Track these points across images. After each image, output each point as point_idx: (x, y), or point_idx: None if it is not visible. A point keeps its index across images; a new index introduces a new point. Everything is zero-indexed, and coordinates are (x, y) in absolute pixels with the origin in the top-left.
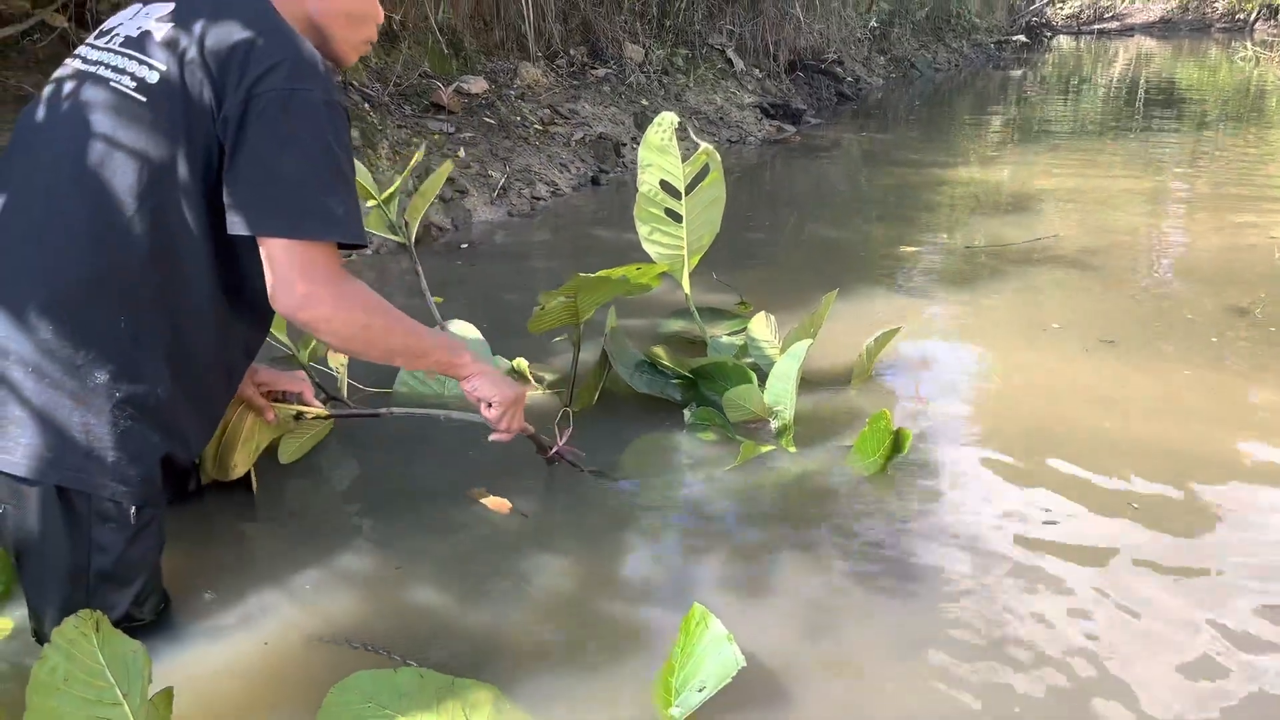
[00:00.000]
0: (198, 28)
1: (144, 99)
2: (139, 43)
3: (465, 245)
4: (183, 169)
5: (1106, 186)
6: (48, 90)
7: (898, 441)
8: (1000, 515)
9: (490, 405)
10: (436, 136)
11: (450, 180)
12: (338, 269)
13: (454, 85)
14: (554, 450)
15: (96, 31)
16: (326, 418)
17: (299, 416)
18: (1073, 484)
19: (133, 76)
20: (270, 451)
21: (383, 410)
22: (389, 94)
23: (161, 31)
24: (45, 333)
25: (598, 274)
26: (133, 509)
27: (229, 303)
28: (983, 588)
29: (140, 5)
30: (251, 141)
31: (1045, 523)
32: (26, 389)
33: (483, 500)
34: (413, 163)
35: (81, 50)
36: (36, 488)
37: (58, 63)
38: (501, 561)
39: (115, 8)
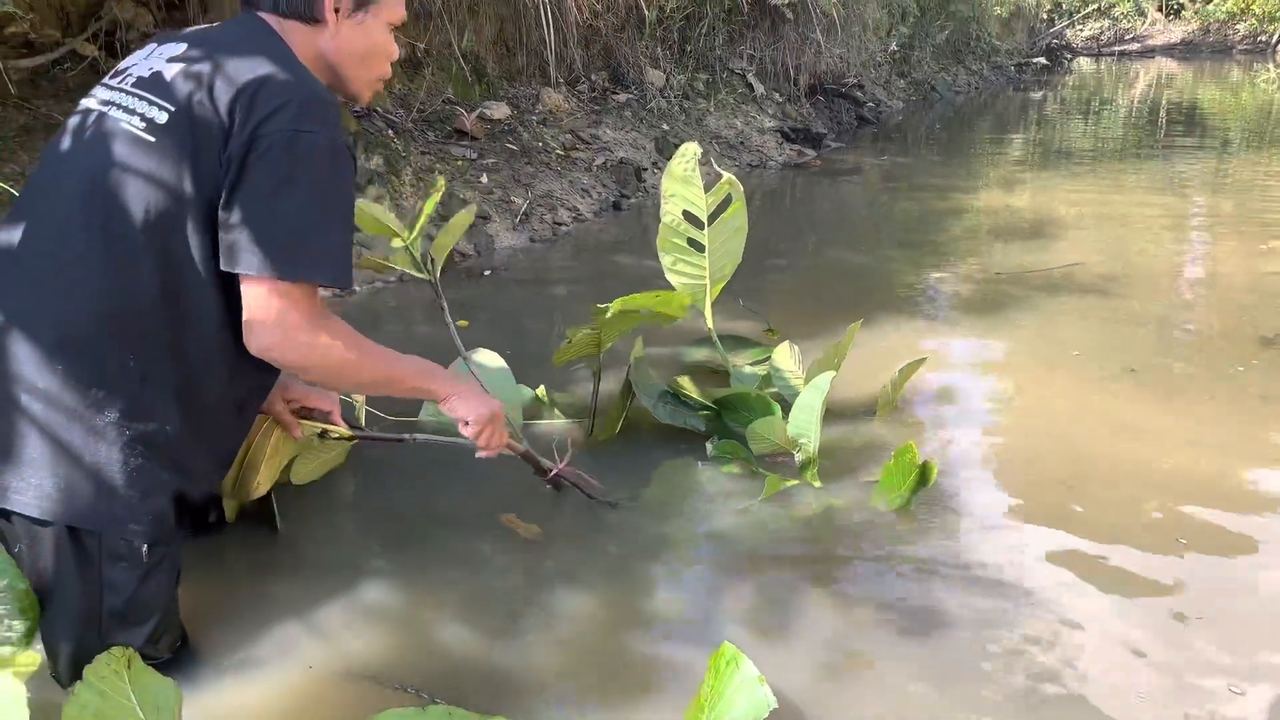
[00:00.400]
0: (207, 68)
1: (152, 139)
2: (150, 83)
3: (488, 271)
4: (189, 209)
5: (1129, 210)
6: (68, 124)
7: (923, 474)
8: (1029, 551)
9: (467, 424)
10: (459, 162)
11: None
12: (315, 310)
13: (477, 111)
14: (554, 472)
15: (111, 71)
16: (350, 438)
17: (324, 435)
18: (1103, 518)
19: (142, 117)
20: (288, 482)
21: (406, 436)
22: (412, 120)
23: (172, 72)
24: (57, 371)
25: (619, 302)
26: (144, 547)
27: (237, 343)
28: (1014, 627)
29: (155, 45)
30: (249, 181)
31: (1075, 559)
32: (38, 428)
33: (516, 529)
34: (432, 201)
35: (96, 90)
36: (49, 528)
37: (88, 90)
38: (528, 595)
39: (144, 36)
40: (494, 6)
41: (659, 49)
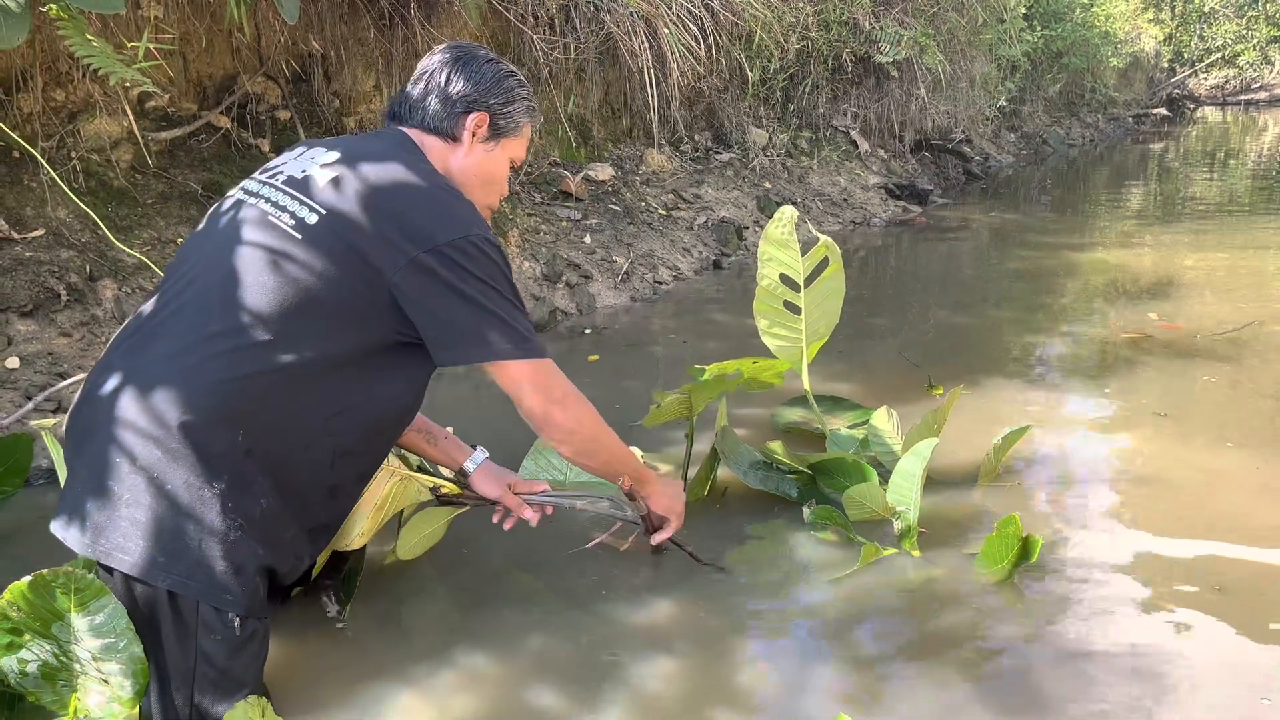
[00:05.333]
0: (364, 181)
1: (299, 236)
2: (302, 184)
3: (589, 330)
4: (321, 304)
5: (1263, 270)
6: (217, 208)
7: (1026, 548)
8: (1139, 632)
9: (645, 517)
10: (564, 224)
11: (575, 266)
12: (570, 383)
13: (582, 173)
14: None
15: (261, 168)
16: (459, 496)
17: (436, 490)
18: (1220, 596)
19: (292, 215)
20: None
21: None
22: (519, 183)
23: (325, 177)
24: (172, 441)
25: (712, 368)
26: (236, 620)
27: (344, 432)
28: (1118, 709)
29: (304, 148)
30: (450, 288)
31: (1189, 641)
32: (149, 494)
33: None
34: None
35: (245, 183)
36: (149, 589)
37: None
38: (620, 666)
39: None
40: (599, 72)
41: (762, 108)
